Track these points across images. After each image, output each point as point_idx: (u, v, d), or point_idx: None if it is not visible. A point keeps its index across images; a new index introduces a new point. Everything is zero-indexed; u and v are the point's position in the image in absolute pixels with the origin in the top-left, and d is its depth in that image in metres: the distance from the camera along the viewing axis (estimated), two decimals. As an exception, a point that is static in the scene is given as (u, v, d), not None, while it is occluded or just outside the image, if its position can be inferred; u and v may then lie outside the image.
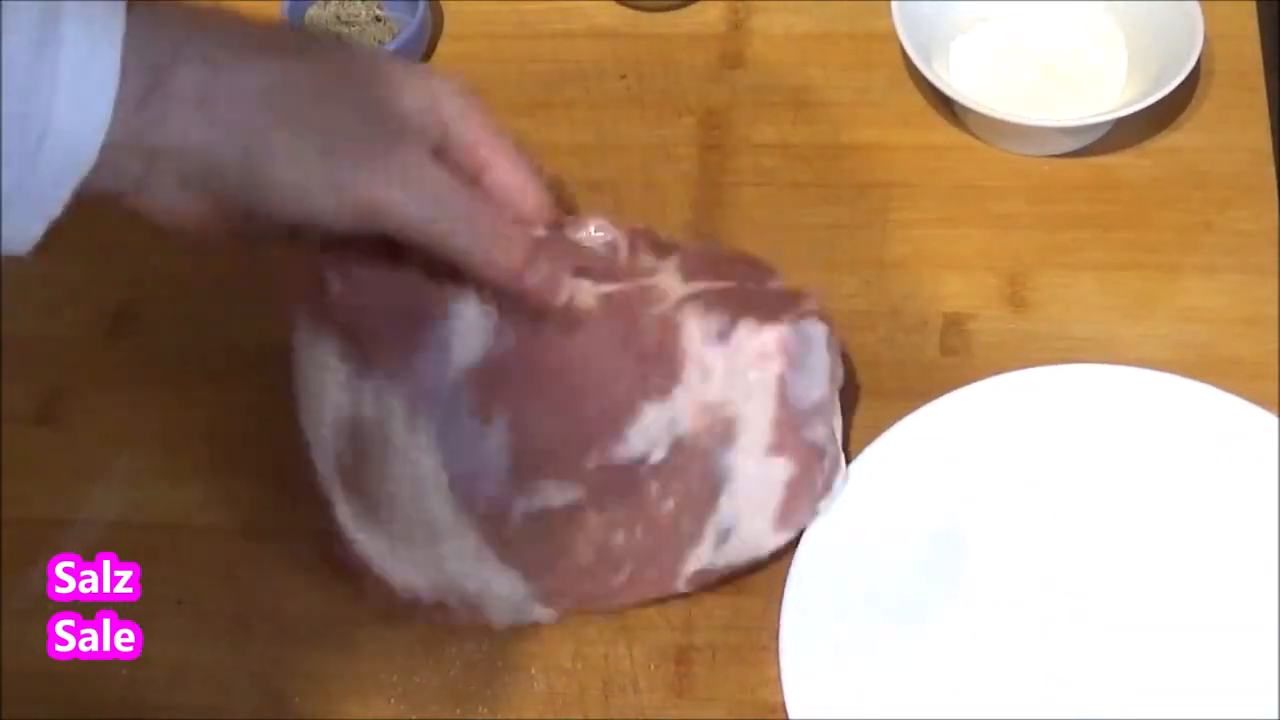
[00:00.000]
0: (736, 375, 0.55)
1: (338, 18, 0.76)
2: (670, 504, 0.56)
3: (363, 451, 0.56)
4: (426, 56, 0.76)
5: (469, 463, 0.55)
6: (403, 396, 0.55)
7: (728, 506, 0.56)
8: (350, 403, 0.56)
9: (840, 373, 0.58)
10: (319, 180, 0.49)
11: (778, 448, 0.56)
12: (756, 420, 0.55)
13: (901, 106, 0.71)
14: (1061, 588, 0.57)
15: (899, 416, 0.59)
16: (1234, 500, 0.57)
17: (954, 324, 0.65)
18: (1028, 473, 0.59)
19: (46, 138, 0.44)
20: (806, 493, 0.57)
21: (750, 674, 0.57)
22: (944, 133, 0.70)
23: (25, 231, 0.48)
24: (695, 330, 0.55)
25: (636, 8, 0.76)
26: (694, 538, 0.56)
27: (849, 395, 0.62)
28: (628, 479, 0.55)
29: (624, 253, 0.57)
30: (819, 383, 0.57)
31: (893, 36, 0.68)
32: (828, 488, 0.57)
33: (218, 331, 0.68)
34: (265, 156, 0.48)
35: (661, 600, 0.58)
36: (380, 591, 0.57)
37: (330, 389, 0.56)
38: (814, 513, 0.57)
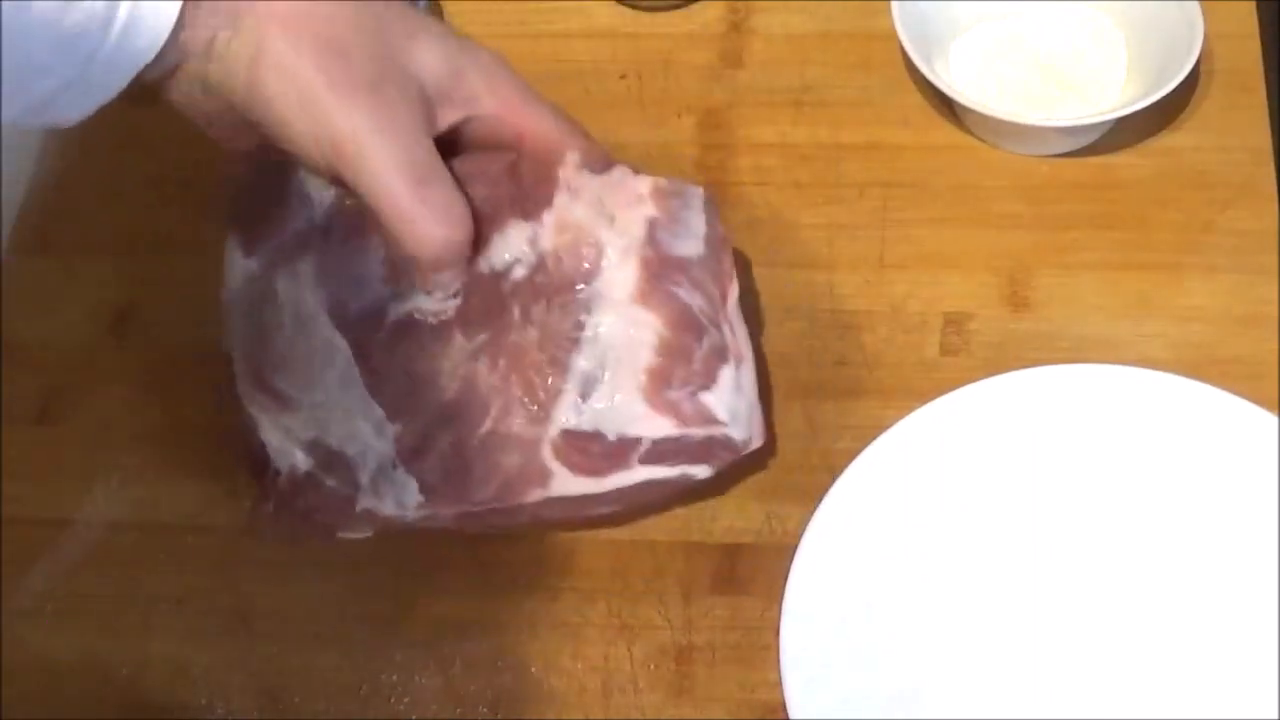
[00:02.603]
0: (605, 206, 0.56)
1: (338, 17, 0.76)
2: (533, 333, 0.55)
3: (256, 320, 0.58)
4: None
5: (345, 282, 0.56)
6: (280, 250, 0.57)
7: (590, 349, 0.55)
8: (244, 281, 0.59)
9: (723, 244, 0.59)
10: (300, 110, 0.50)
11: (643, 297, 0.55)
12: (621, 261, 0.56)
13: (901, 106, 0.71)
14: (1062, 588, 0.57)
15: (899, 416, 0.59)
16: (1234, 500, 0.57)
17: (954, 324, 0.65)
18: (1028, 473, 0.59)
19: (130, 25, 0.46)
20: (680, 368, 0.55)
21: (750, 674, 0.57)
22: (944, 133, 0.70)
23: (82, 109, 0.49)
24: (572, 159, 0.57)
25: (636, 8, 0.76)
26: (557, 382, 0.55)
27: (840, 386, 0.62)
28: (491, 294, 0.56)
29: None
30: (692, 239, 0.57)
31: (893, 36, 0.68)
32: (710, 378, 0.56)
33: (217, 332, 0.67)
34: (264, 69, 0.49)
35: (542, 520, 0.58)
36: (260, 469, 0.58)
37: (234, 279, 0.59)
38: (694, 404, 0.55)
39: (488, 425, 0.56)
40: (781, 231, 0.68)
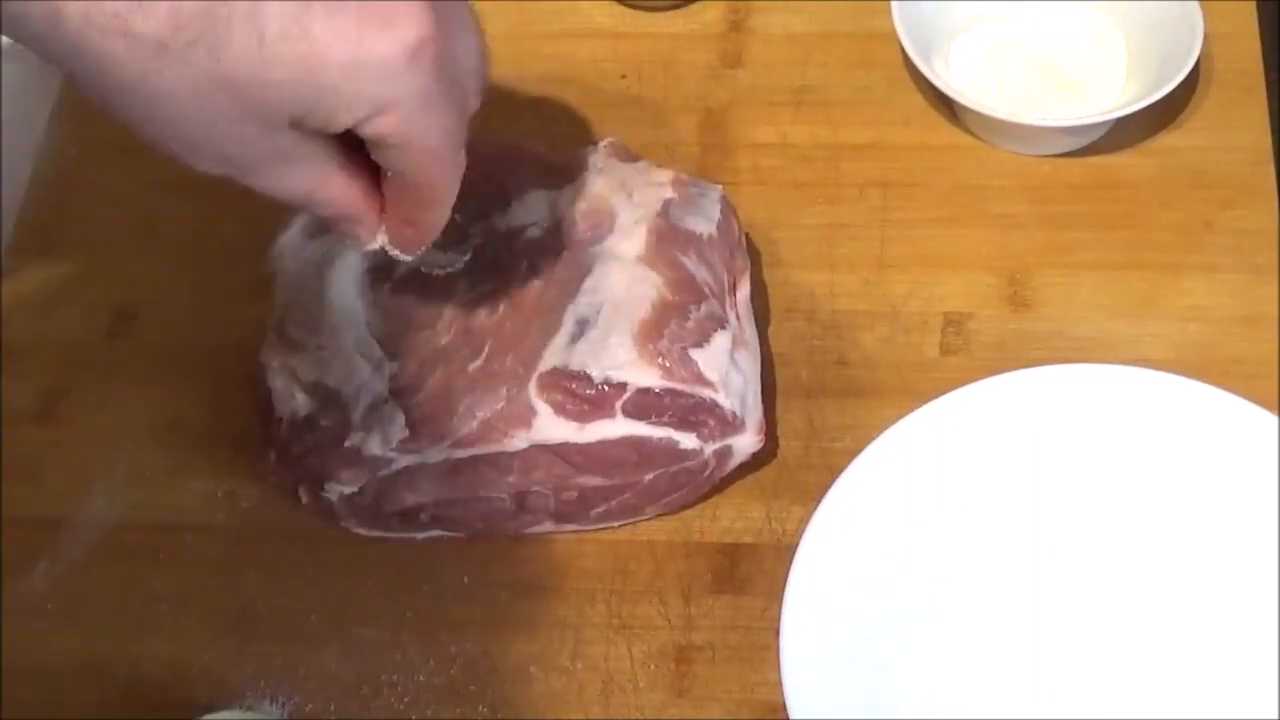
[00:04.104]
0: (626, 185, 0.59)
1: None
2: (537, 283, 0.58)
3: (287, 280, 0.61)
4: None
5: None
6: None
7: (589, 297, 0.57)
8: (286, 248, 0.61)
9: (737, 239, 0.61)
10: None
11: (649, 257, 0.57)
12: (633, 227, 0.58)
13: (901, 106, 0.71)
14: (1062, 588, 0.57)
15: (899, 416, 0.59)
16: (1234, 500, 0.57)
17: (954, 324, 0.65)
18: (1028, 473, 0.59)
19: None
20: (674, 327, 0.56)
21: (750, 674, 0.57)
22: (944, 133, 0.70)
23: None
24: (604, 146, 0.62)
25: (636, 8, 0.76)
26: (553, 325, 0.56)
27: (840, 386, 0.62)
28: (503, 250, 0.59)
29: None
30: (706, 222, 0.60)
31: (893, 36, 0.68)
32: (703, 338, 0.56)
33: (218, 331, 0.68)
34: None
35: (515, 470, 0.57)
36: (267, 418, 0.59)
37: (281, 247, 0.62)
38: (683, 360, 0.56)
39: (479, 363, 0.56)
40: (781, 231, 0.68)
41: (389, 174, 0.47)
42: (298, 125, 0.43)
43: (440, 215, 0.49)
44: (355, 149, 0.46)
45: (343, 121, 0.43)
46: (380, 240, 0.50)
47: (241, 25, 0.40)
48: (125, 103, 0.42)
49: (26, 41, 0.41)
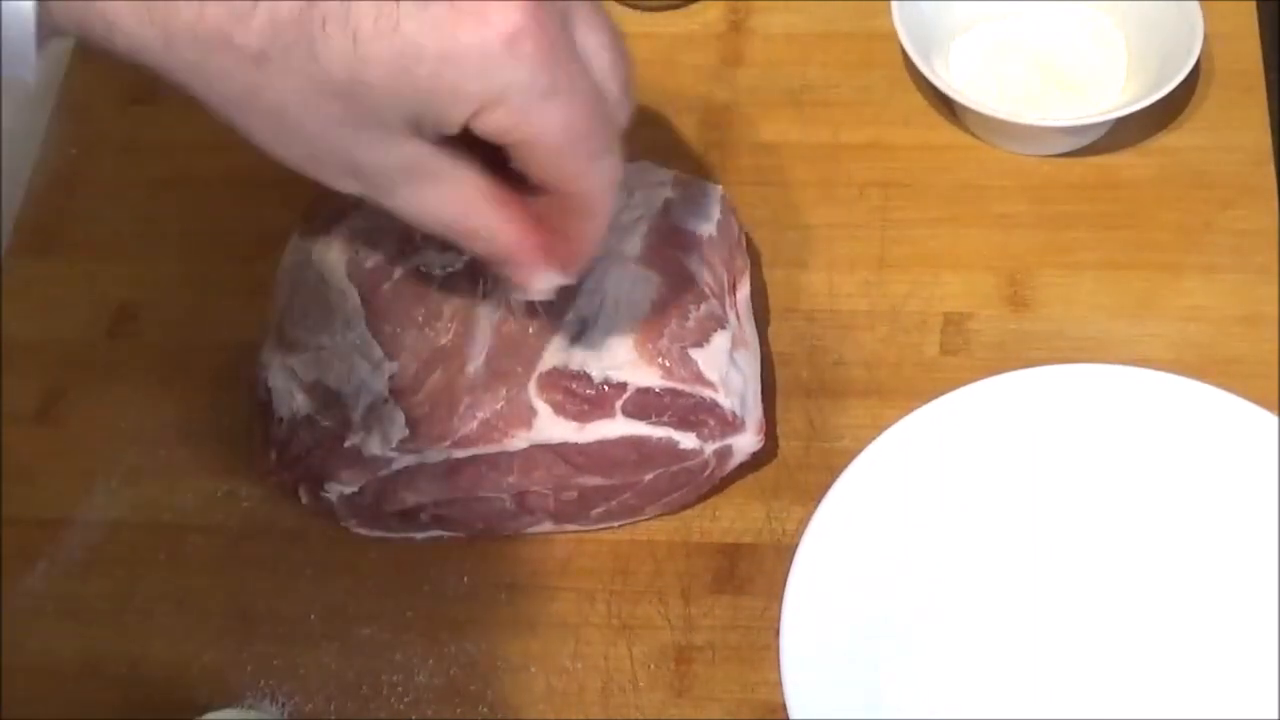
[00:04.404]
0: (626, 185, 0.57)
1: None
2: None
3: (289, 282, 0.60)
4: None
5: (364, 240, 0.58)
6: (323, 221, 0.60)
7: (589, 297, 0.56)
8: (291, 251, 0.61)
9: (737, 239, 0.61)
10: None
11: (649, 257, 0.57)
12: (634, 227, 0.58)
13: (901, 106, 0.71)
14: (1062, 588, 0.57)
15: (899, 416, 0.59)
16: (1234, 500, 0.57)
17: (954, 324, 0.65)
18: (1028, 473, 0.59)
19: None
20: (674, 327, 0.56)
21: (750, 674, 0.57)
22: (944, 133, 0.70)
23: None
24: None
25: (636, 7, 0.76)
26: (553, 325, 0.56)
27: (840, 387, 0.62)
28: None
29: None
30: (706, 223, 0.59)
31: (893, 36, 0.68)
32: (703, 338, 0.56)
33: (218, 331, 0.68)
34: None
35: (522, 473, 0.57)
36: (267, 418, 0.59)
37: (287, 253, 0.62)
38: (683, 360, 0.56)
39: (479, 363, 0.56)
40: (781, 231, 0.68)
41: (535, 188, 0.46)
42: (417, 131, 0.43)
43: (594, 227, 0.48)
44: (512, 186, 0.46)
45: (455, 119, 0.43)
46: (546, 282, 0.49)
47: (335, 27, 0.41)
48: (244, 119, 0.43)
49: (153, 68, 0.42)
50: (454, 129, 0.43)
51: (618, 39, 0.46)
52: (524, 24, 0.41)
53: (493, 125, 0.43)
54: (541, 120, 0.43)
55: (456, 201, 0.46)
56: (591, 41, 0.45)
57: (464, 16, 0.41)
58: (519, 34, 0.41)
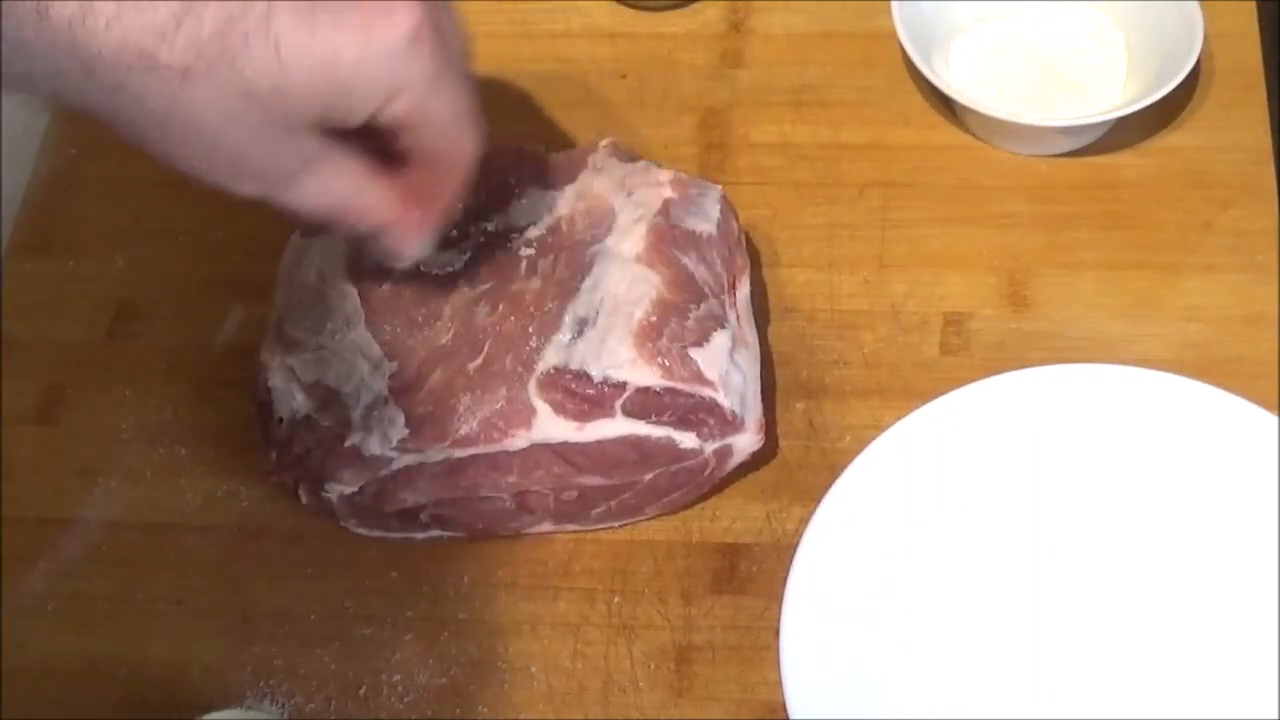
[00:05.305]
0: (625, 185, 0.59)
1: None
2: (536, 282, 0.58)
3: (290, 282, 0.61)
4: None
5: (364, 240, 0.58)
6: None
7: (589, 297, 0.57)
8: (292, 253, 0.62)
9: (736, 238, 0.61)
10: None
11: (649, 257, 0.57)
12: (633, 226, 0.58)
13: (901, 106, 0.71)
14: (1062, 588, 0.57)
15: (899, 416, 0.59)
16: (1234, 500, 0.57)
17: (954, 324, 0.65)
18: (1028, 473, 0.59)
19: None
20: (674, 326, 0.56)
21: (750, 674, 0.57)
22: (944, 133, 0.70)
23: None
24: (604, 146, 0.62)
25: (636, 8, 0.76)
26: (552, 325, 0.56)
27: (840, 387, 0.62)
28: (501, 249, 0.59)
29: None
30: (705, 222, 0.60)
31: (893, 36, 0.68)
32: (702, 338, 0.56)
33: (218, 331, 0.68)
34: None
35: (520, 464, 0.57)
36: (267, 418, 0.59)
37: (288, 253, 0.62)
38: (683, 359, 0.56)
39: (479, 362, 0.56)
40: (781, 231, 0.68)
41: (411, 161, 0.50)
42: (322, 124, 0.46)
43: (459, 185, 0.52)
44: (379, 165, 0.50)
45: (362, 112, 0.46)
46: (421, 247, 0.53)
47: (257, 38, 0.43)
48: (161, 135, 0.45)
49: (66, 96, 0.43)
50: (358, 122, 0.47)
51: (456, 16, 0.51)
52: (421, 20, 0.46)
53: (396, 113, 0.47)
54: (438, 103, 0.48)
55: (347, 184, 0.49)
56: (448, 26, 0.49)
57: (375, 18, 0.45)
58: (418, 31, 0.46)
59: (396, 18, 0.45)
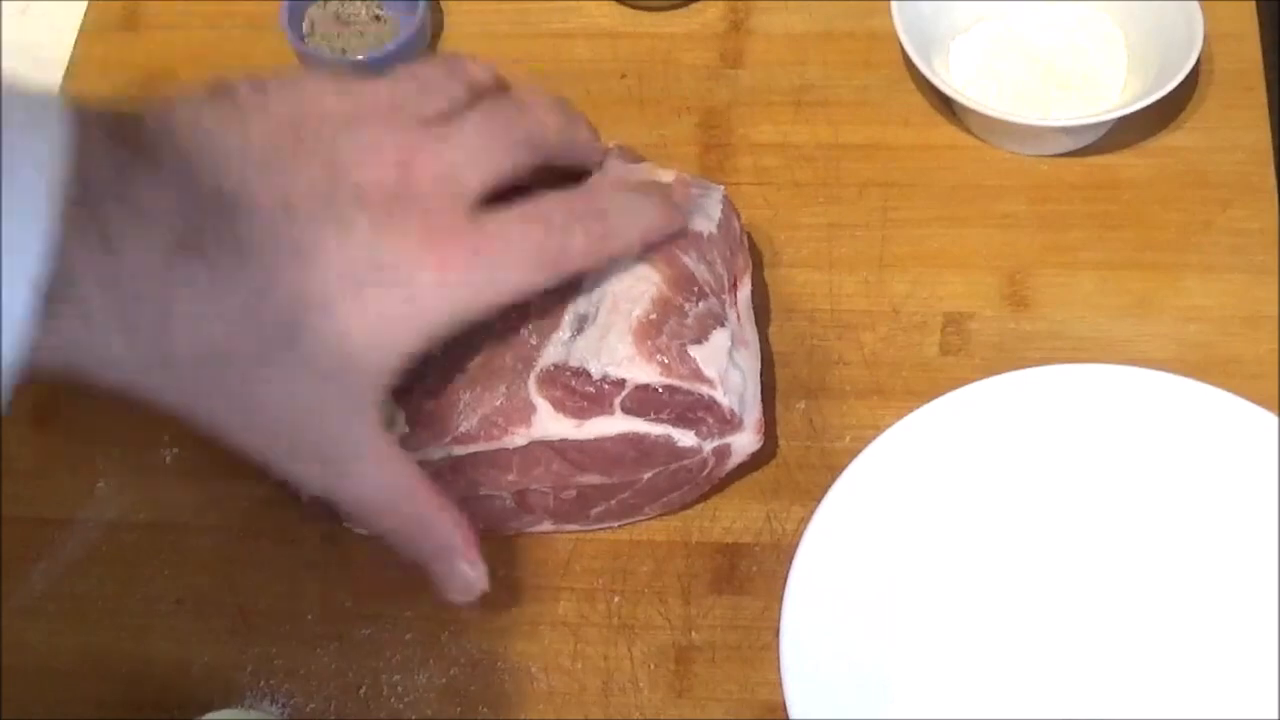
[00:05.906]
0: (626, 184, 0.59)
1: (337, 17, 0.76)
2: None
3: None
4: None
5: None
6: None
7: (588, 294, 0.56)
8: None
9: (738, 238, 0.61)
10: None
11: (648, 255, 0.57)
12: None
13: (901, 106, 0.71)
14: (1062, 588, 0.57)
15: (899, 416, 0.59)
16: (1234, 500, 0.57)
17: (954, 324, 0.65)
18: (1028, 473, 0.59)
19: None
20: (673, 324, 0.56)
21: (750, 674, 0.57)
22: (944, 133, 0.70)
23: None
24: (613, 152, 0.61)
25: (636, 7, 0.76)
26: (552, 322, 0.56)
27: (840, 387, 0.62)
28: None
29: None
30: (707, 221, 0.59)
31: (893, 36, 0.68)
32: (702, 335, 0.56)
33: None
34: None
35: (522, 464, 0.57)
36: None
37: None
38: (682, 357, 0.56)
39: (478, 360, 0.56)
40: (781, 231, 0.68)
41: None
42: (377, 408, 0.48)
43: None
44: None
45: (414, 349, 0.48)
46: (476, 581, 0.53)
47: (316, 319, 0.44)
48: (227, 420, 0.46)
49: (139, 395, 0.44)
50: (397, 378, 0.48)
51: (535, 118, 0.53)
52: (454, 243, 0.48)
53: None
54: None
55: (401, 484, 0.50)
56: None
57: (421, 254, 0.46)
58: (450, 256, 0.47)
59: (434, 250, 0.47)
